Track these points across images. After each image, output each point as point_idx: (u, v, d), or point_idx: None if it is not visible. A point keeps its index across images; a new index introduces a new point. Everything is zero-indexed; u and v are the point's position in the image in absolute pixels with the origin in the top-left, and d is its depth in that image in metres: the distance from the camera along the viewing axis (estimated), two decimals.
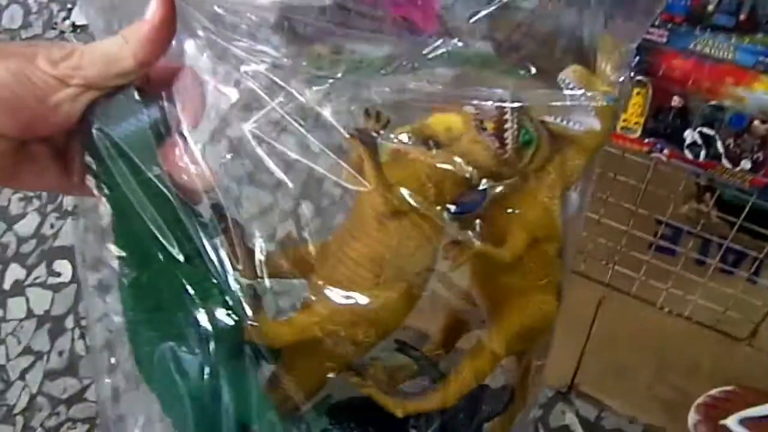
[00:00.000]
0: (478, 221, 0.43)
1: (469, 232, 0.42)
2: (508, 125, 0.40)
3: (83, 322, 1.29)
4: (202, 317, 0.37)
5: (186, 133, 0.33)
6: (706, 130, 0.73)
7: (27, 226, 1.43)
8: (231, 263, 0.36)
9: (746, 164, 0.73)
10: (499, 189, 0.43)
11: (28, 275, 1.37)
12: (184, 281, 0.36)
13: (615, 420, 1.05)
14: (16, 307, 1.34)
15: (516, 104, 0.40)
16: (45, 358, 1.28)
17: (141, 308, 0.37)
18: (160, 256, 0.35)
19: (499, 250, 0.43)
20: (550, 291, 0.47)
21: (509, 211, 0.44)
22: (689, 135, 0.74)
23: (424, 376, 0.48)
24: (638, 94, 0.75)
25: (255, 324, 0.37)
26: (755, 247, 0.94)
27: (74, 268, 1.34)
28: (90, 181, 0.35)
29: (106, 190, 0.35)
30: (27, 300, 1.34)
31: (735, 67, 0.67)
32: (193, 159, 0.33)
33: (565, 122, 0.43)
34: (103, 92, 0.32)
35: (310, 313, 0.39)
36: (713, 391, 0.99)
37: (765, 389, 0.98)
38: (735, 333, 1.03)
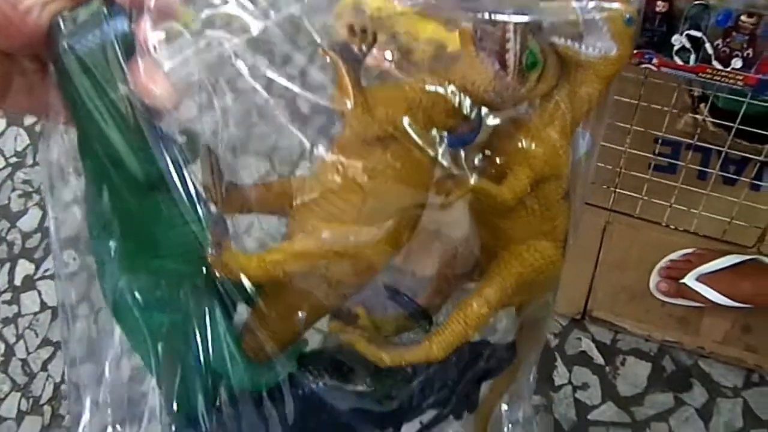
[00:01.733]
0: (476, 155, 0.38)
1: (465, 166, 0.37)
2: (510, 45, 0.34)
3: (96, 306, 1.30)
4: (164, 249, 0.34)
5: (152, 49, 0.31)
6: (693, 32, 0.72)
7: (29, 221, 1.44)
8: (202, 192, 0.33)
9: (737, 63, 0.72)
10: (498, 120, 0.38)
11: (37, 269, 1.38)
12: (147, 210, 0.34)
13: (631, 340, 1.06)
14: (29, 301, 1.35)
15: (519, 19, 0.34)
16: None
17: (105, 237, 0.35)
18: (124, 183, 0.33)
19: (499, 187, 0.38)
20: (554, 238, 0.42)
21: (511, 145, 0.39)
22: (677, 40, 0.73)
23: (416, 329, 0.43)
24: None
25: (216, 255, 0.34)
26: (754, 152, 0.93)
27: (80, 256, 1.34)
28: (57, 100, 0.32)
29: (72, 110, 0.32)
30: (39, 293, 1.35)
31: None
32: (158, 76, 0.31)
33: (576, 45, 0.37)
34: (71, 1, 0.31)
35: (284, 248, 0.35)
36: (673, 255, 1.02)
37: (720, 248, 1.01)
38: (742, 242, 1.03)
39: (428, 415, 0.42)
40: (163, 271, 0.35)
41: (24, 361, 1.30)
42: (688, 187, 0.99)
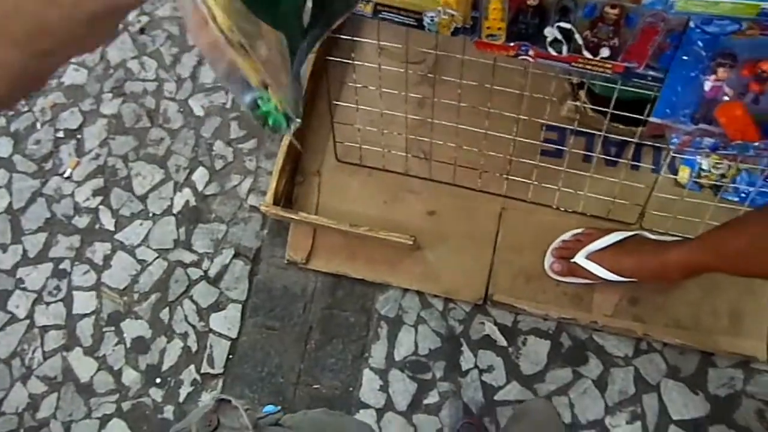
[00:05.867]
0: None
1: None
2: None
3: None
4: None
5: None
6: (563, 24, 0.75)
7: None
8: None
9: (605, 52, 0.76)
10: None
11: None
12: None
13: (530, 320, 1.11)
14: None
15: None
16: None
17: None
18: None
19: None
20: None
21: None
22: (549, 32, 0.76)
23: None
24: None
25: None
26: (631, 135, 0.99)
27: None
28: None
29: None
30: None
31: None
32: None
33: None
34: None
35: None
36: (565, 235, 1.08)
37: (606, 227, 1.08)
38: (625, 219, 1.09)
39: None
40: None
41: None
42: (574, 171, 1.04)
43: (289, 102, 0.38)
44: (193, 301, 1.20)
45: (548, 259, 1.09)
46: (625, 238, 1.03)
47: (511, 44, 0.79)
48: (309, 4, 0.38)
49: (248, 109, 0.40)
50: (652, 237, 1.04)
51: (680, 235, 1.05)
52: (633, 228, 1.08)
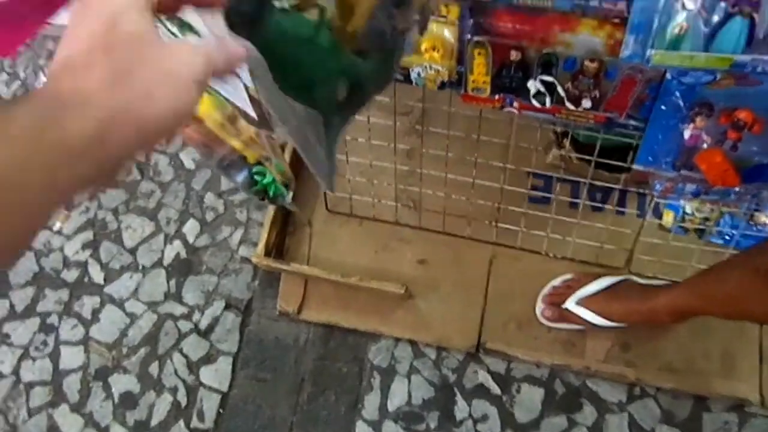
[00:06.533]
0: None
1: None
2: None
3: None
4: None
5: None
6: (545, 77, 0.78)
7: None
8: None
9: (586, 103, 0.79)
10: None
11: None
12: None
13: (523, 367, 1.10)
14: None
15: None
16: None
17: None
18: None
19: None
20: None
21: None
22: (532, 85, 0.79)
23: None
24: (480, 54, 0.78)
25: None
26: (614, 181, 1.01)
27: None
28: None
29: None
30: None
31: (558, 14, 0.72)
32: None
33: None
34: None
35: None
36: (555, 281, 1.09)
37: (595, 271, 1.09)
38: (614, 263, 1.10)
39: None
40: None
41: None
42: (562, 217, 1.06)
43: (323, 177, 0.42)
44: (183, 355, 1.18)
45: (539, 306, 1.09)
46: (615, 284, 1.04)
47: (496, 97, 0.82)
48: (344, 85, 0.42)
49: (243, 188, 0.43)
50: (641, 281, 1.05)
51: (669, 278, 1.06)
52: (622, 272, 1.09)
